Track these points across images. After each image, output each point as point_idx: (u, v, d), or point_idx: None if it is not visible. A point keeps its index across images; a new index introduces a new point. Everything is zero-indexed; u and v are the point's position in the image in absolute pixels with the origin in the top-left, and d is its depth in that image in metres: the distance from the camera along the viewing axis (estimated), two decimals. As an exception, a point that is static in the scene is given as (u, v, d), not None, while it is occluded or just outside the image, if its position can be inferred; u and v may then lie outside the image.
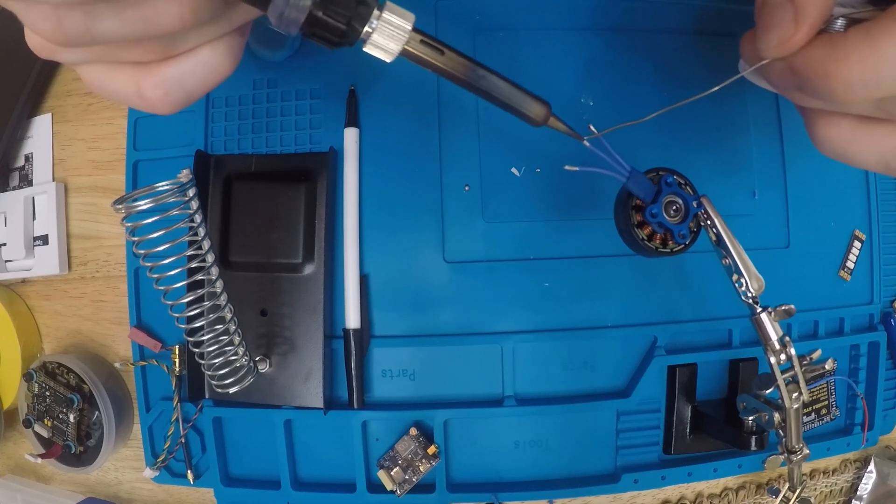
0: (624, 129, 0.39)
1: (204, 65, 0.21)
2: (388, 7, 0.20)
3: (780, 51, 0.22)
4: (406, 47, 0.21)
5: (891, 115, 0.22)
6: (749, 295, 0.29)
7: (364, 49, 0.21)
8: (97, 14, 0.17)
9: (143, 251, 0.27)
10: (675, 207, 0.30)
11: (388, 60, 0.21)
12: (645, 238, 0.31)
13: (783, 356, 0.29)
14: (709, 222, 0.29)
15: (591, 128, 0.28)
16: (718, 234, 0.29)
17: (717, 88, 0.26)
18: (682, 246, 0.31)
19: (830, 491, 0.43)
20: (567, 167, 0.28)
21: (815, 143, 0.25)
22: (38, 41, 0.20)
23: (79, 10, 0.17)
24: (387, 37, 0.20)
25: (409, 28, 0.20)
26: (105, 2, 0.17)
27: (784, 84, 0.23)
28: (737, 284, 0.29)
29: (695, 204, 0.30)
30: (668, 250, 0.31)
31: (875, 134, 0.23)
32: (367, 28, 0.20)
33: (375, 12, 0.20)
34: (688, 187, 0.31)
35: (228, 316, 0.31)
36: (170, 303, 0.29)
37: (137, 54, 0.20)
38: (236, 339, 0.32)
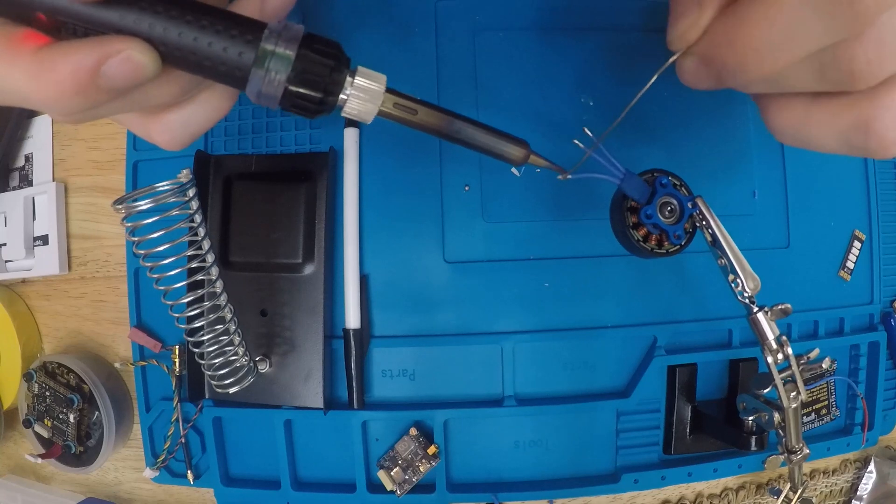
0: (624, 130, 0.39)
1: (204, 108, 0.22)
2: (360, 72, 0.21)
3: (685, 39, 0.21)
4: (382, 108, 0.21)
5: (839, 84, 0.19)
6: (745, 295, 0.29)
7: (342, 114, 0.21)
8: (98, 103, 0.18)
9: (143, 251, 0.27)
10: (669, 208, 0.30)
11: (367, 122, 0.22)
12: (640, 239, 0.31)
13: (780, 355, 0.29)
14: (704, 223, 0.30)
15: (586, 130, 0.28)
16: (714, 235, 0.29)
17: (655, 77, 0.24)
18: (678, 247, 0.31)
19: (830, 491, 0.43)
20: (560, 177, 0.27)
21: (771, 132, 0.23)
22: None
23: (81, 104, 0.18)
24: (362, 101, 0.21)
25: (382, 90, 0.21)
26: (102, 102, 0.18)
27: (700, 79, 0.22)
28: (733, 284, 0.29)
29: (689, 205, 0.30)
30: (664, 251, 0.31)
31: (828, 110, 0.21)
32: (342, 95, 0.21)
33: (348, 79, 0.20)
34: (682, 188, 0.31)
35: (228, 316, 0.31)
36: (170, 303, 0.29)
37: (141, 112, 0.22)
38: (236, 339, 0.32)
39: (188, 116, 0.22)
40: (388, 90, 0.21)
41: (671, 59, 0.22)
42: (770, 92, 0.22)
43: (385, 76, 0.21)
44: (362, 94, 0.21)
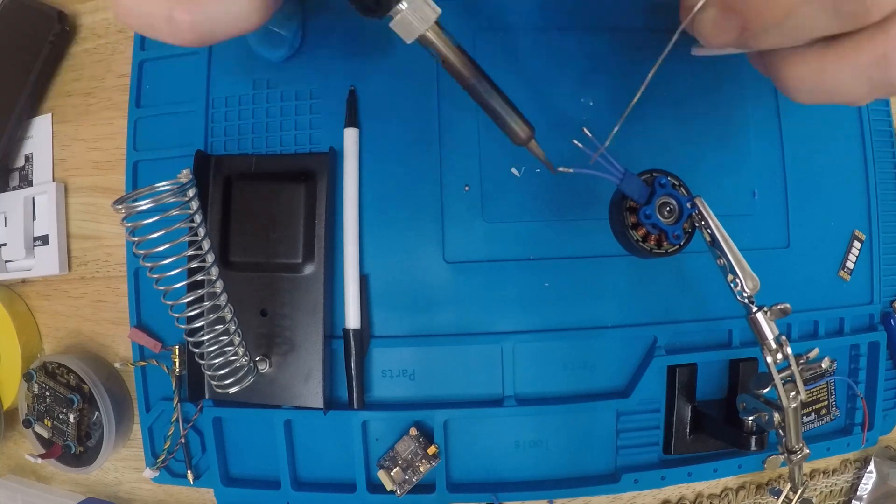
0: (624, 130, 0.39)
1: (235, 5, 0.22)
2: None
3: None
4: (428, 33, 0.23)
5: (853, 17, 0.19)
6: (745, 295, 0.29)
7: (390, 25, 0.23)
8: None
9: (143, 251, 0.27)
10: (668, 208, 0.30)
11: (407, 41, 0.24)
12: (639, 239, 0.31)
13: (779, 355, 0.29)
14: (703, 223, 0.30)
15: (586, 131, 0.28)
16: (713, 235, 0.29)
17: (664, 55, 0.25)
18: (677, 247, 0.31)
19: (830, 491, 0.43)
20: (561, 169, 0.28)
21: (789, 93, 0.23)
22: None
23: None
24: (413, 17, 0.23)
25: (434, 16, 0.23)
26: None
27: (721, 33, 0.22)
28: (732, 284, 0.29)
29: (689, 205, 0.30)
30: (663, 251, 0.31)
31: (845, 51, 0.20)
32: (399, 6, 0.22)
33: None
34: (682, 188, 0.31)
35: (228, 316, 0.31)
36: (170, 303, 0.29)
37: None
38: (236, 339, 0.32)
39: (217, 7, 0.22)
40: (438, 23, 0.23)
41: (693, 12, 0.22)
42: (784, 45, 0.22)
43: (440, 10, 0.23)
44: (416, 11, 0.22)
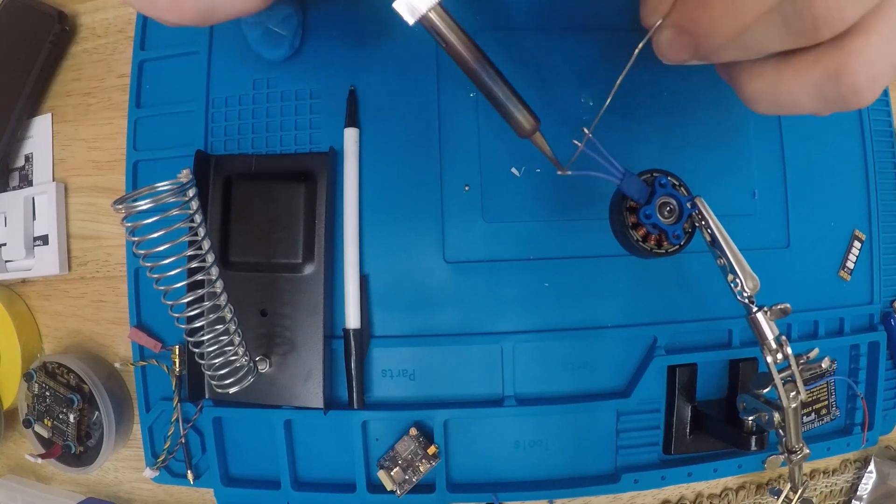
0: (624, 130, 0.39)
1: None
2: None
3: (658, 10, 0.22)
4: (430, 14, 0.22)
5: (804, 34, 0.19)
6: (745, 295, 0.29)
7: (393, 6, 0.22)
8: None
9: (143, 251, 0.27)
10: (669, 208, 0.30)
11: (410, 22, 0.23)
12: (639, 239, 0.31)
13: (780, 355, 0.29)
14: (703, 223, 0.30)
15: (585, 131, 0.28)
16: (713, 235, 0.29)
17: (640, 47, 0.24)
18: (677, 247, 0.31)
19: (830, 491, 0.43)
20: (560, 172, 0.28)
21: (747, 104, 0.24)
22: None
23: None
24: None
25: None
26: None
27: (678, 50, 0.22)
28: (732, 284, 0.29)
29: (689, 205, 0.30)
30: (663, 251, 0.31)
31: (798, 66, 0.21)
32: None
33: None
34: (682, 188, 0.31)
35: (228, 316, 0.31)
36: (170, 303, 0.29)
37: None
38: (236, 339, 0.32)
39: None
40: (441, 5, 0.23)
41: (650, 34, 0.23)
42: (741, 59, 0.23)
43: None
44: None
